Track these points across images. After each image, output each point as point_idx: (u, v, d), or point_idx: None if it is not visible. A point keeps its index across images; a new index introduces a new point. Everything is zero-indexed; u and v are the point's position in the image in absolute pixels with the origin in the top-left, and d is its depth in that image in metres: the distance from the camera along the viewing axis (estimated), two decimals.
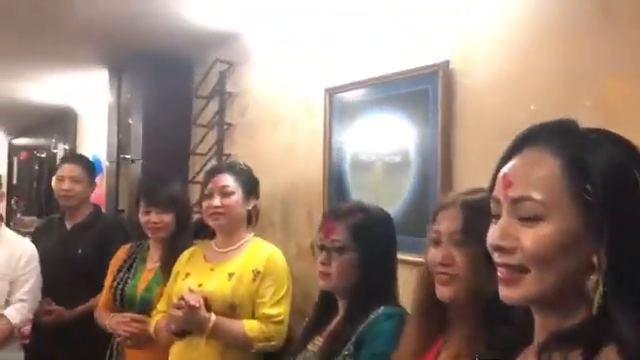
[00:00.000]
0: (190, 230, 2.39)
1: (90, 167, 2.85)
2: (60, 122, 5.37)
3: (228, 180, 2.04)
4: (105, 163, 3.48)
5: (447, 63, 1.63)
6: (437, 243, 1.11)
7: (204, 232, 2.53)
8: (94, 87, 4.12)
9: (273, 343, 1.89)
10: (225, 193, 2.02)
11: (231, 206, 2.01)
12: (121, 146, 3.30)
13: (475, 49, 1.61)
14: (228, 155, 2.73)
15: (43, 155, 6.14)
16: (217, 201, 2.01)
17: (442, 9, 1.72)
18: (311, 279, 2.09)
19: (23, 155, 7.14)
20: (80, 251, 2.71)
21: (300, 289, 2.02)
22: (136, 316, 2.19)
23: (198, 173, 2.80)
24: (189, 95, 3.01)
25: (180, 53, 2.96)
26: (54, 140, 5.65)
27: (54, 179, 2.82)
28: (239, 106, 2.70)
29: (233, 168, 2.10)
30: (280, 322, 1.90)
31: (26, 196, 6.84)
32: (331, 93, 2.06)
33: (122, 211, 3.29)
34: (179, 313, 1.83)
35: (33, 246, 2.61)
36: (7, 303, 2.46)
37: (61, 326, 2.60)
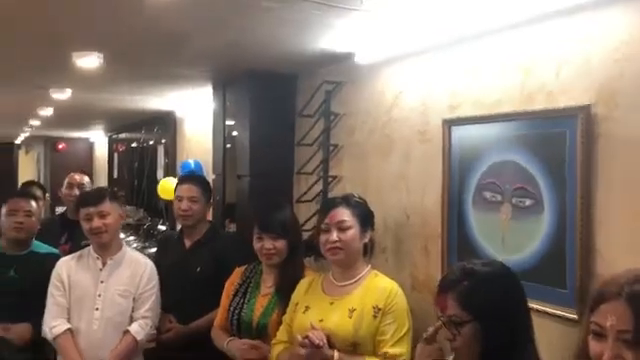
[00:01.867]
0: (302, 255, 2.44)
1: (206, 186, 2.95)
2: (161, 122, 5.58)
3: (344, 214, 2.05)
4: (211, 176, 3.58)
5: (588, 107, 1.54)
6: (600, 336, 1.03)
7: (313, 250, 2.58)
8: (195, 96, 4.26)
9: None
10: (342, 228, 2.03)
11: (348, 241, 2.02)
12: (225, 160, 3.38)
13: (621, 92, 1.50)
14: (334, 177, 2.74)
15: (143, 148, 6.43)
16: (335, 236, 2.02)
17: (584, 48, 1.60)
18: (426, 312, 2.09)
19: (121, 147, 7.51)
20: (199, 269, 2.83)
21: (415, 321, 2.00)
22: (254, 343, 2.26)
23: (305, 193, 2.82)
24: (293, 114, 3.03)
25: (285, 71, 2.98)
26: (153, 138, 5.92)
27: (174, 200, 2.95)
28: (346, 127, 2.68)
29: (349, 201, 2.09)
30: None
31: (126, 188, 7.23)
32: (449, 125, 2.00)
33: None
34: (302, 351, 1.87)
35: (153, 264, 2.74)
36: (131, 319, 2.62)
37: (180, 343, 2.74)
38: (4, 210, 2.84)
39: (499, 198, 1.78)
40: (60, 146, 9.80)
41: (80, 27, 2.40)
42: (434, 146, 2.08)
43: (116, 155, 7.75)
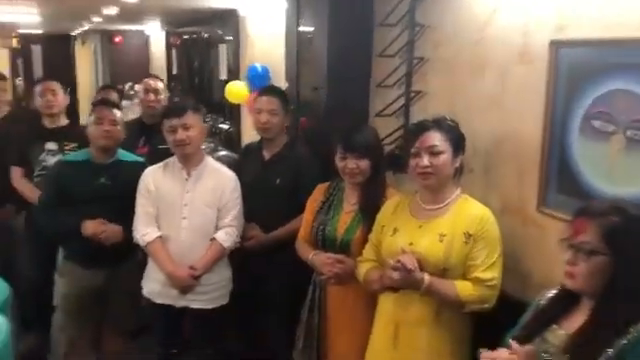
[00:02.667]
0: (384, 173, 2.44)
1: (285, 99, 2.93)
2: (222, 20, 5.44)
3: (436, 138, 2.00)
4: (282, 84, 3.52)
5: None
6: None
7: (392, 165, 2.58)
8: None
9: (486, 305, 1.95)
10: (434, 152, 1.99)
11: (440, 166, 2.00)
12: (299, 69, 3.30)
13: None
14: (417, 92, 2.65)
15: (204, 45, 6.33)
16: (426, 160, 1.99)
17: None
18: (514, 237, 2.09)
19: (179, 43, 7.43)
20: (278, 181, 2.89)
21: (504, 246, 2.01)
22: (339, 257, 2.34)
23: (388, 106, 2.76)
24: (371, 22, 2.88)
25: None
26: (216, 36, 5.81)
27: (253, 112, 2.95)
28: (432, 40, 2.55)
29: (441, 125, 2.04)
30: (494, 287, 1.93)
31: (184, 83, 7.25)
32: (557, 47, 1.87)
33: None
34: (395, 275, 1.92)
35: (234, 175, 2.81)
36: (217, 228, 2.74)
37: (265, 251, 2.87)
38: (92, 119, 2.91)
39: (611, 129, 1.69)
40: (117, 39, 9.79)
41: None
42: (536, 69, 1.95)
43: (174, 51, 7.70)
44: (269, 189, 2.91)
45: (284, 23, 3.46)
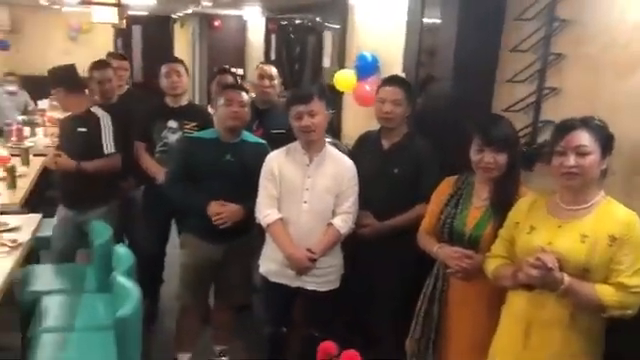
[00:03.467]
0: (519, 170, 2.40)
1: (409, 89, 2.94)
2: (329, 7, 5.47)
3: (584, 138, 1.95)
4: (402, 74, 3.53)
5: None
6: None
7: (526, 162, 2.54)
8: None
9: (629, 312, 1.89)
10: (581, 153, 1.94)
11: (587, 167, 1.94)
12: (420, 60, 3.29)
13: None
14: (552, 89, 2.59)
15: (306, 32, 6.38)
16: (572, 160, 1.94)
17: None
18: None
19: (280, 29, 7.54)
20: (396, 171, 2.92)
21: None
22: (467, 252, 2.33)
23: (517, 102, 2.71)
24: (501, 15, 2.83)
25: None
26: (320, 23, 5.86)
27: (376, 101, 2.98)
28: (573, 36, 2.48)
29: (589, 124, 1.97)
30: (638, 294, 1.88)
31: (283, 69, 7.37)
32: None
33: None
34: (534, 272, 1.90)
35: (353, 163, 2.86)
36: (333, 214, 2.80)
37: (379, 239, 2.91)
38: (221, 101, 3.04)
39: None
40: (216, 23, 10.08)
41: None
42: None
43: (273, 37, 7.84)
44: (387, 178, 2.94)
45: (399, 12, 3.45)
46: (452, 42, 2.87)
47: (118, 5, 4.74)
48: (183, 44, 12.04)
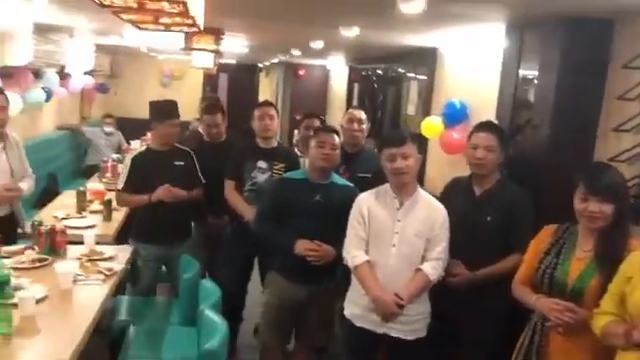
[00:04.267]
0: (628, 221, 2.27)
1: (502, 136, 2.89)
2: (417, 57, 5.53)
3: None
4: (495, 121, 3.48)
5: None
6: None
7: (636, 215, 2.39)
8: (466, 33, 4.11)
9: None
10: None
11: None
12: (515, 108, 3.24)
13: None
14: None
15: (390, 81, 6.49)
16: None
17: None
18: None
19: (363, 78, 7.69)
20: (489, 219, 2.84)
21: None
22: (569, 305, 2.21)
23: (623, 153, 2.60)
24: (605, 63, 2.75)
25: (598, 15, 2.69)
26: (405, 72, 5.93)
27: (468, 147, 2.95)
28: None
29: None
30: None
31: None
32: None
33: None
34: None
35: (444, 208, 2.81)
36: (423, 260, 2.74)
37: (469, 289, 2.81)
38: (313, 143, 3.10)
39: None
40: (301, 72, 10.43)
41: None
42: None
43: (356, 85, 8.00)
44: (478, 226, 2.86)
45: (492, 59, 3.43)
46: (551, 89, 2.81)
47: (216, 52, 5.03)
48: (267, 91, 12.50)
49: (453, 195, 3.08)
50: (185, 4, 1.74)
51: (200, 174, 3.88)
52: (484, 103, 3.84)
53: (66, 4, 4.16)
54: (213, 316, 2.81)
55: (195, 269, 3.44)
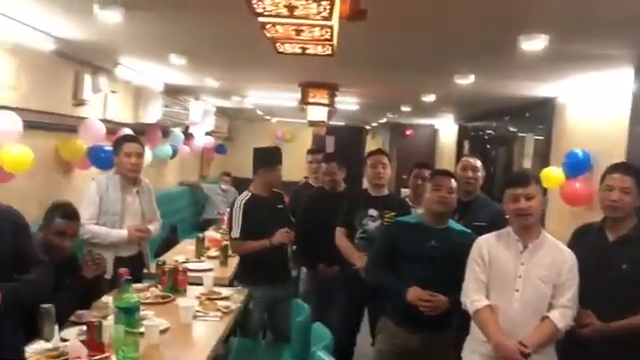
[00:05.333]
0: None
1: (639, 177, 2.71)
2: (534, 109, 5.40)
3: None
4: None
5: None
6: None
7: None
8: (588, 79, 3.97)
9: None
10: None
11: None
12: None
13: None
14: None
15: (503, 136, 6.36)
16: None
17: None
18: None
19: (473, 135, 7.58)
20: (624, 267, 2.62)
21: None
22: None
23: None
24: None
25: None
26: (520, 125, 5.78)
27: (600, 189, 2.79)
28: None
29: None
30: None
31: None
32: None
33: None
34: None
35: (572, 253, 2.64)
36: (550, 307, 2.56)
37: (603, 341, 2.58)
38: (429, 186, 3.07)
39: None
40: (408, 132, 10.50)
41: (530, 8, 2.42)
42: None
43: (466, 143, 7.90)
44: (612, 274, 2.64)
45: (620, 106, 3.27)
46: None
47: (330, 106, 5.24)
48: None
49: (583, 240, 2.88)
50: (333, 2, 1.82)
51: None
52: (610, 151, 3.64)
53: (197, 65, 4.54)
54: (326, 357, 2.77)
55: (307, 313, 3.44)
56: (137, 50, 4.07)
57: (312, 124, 5.94)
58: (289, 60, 2.94)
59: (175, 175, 8.07)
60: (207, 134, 8.61)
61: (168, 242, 6.00)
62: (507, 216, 2.71)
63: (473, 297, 2.65)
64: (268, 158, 3.93)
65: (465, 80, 3.99)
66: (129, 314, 2.48)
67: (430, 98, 5.35)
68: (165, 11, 2.84)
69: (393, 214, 3.80)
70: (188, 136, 7.65)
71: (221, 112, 9.35)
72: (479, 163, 3.92)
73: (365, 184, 4.15)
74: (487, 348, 2.59)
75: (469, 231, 3.09)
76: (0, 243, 2.05)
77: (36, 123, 3.92)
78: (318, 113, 5.29)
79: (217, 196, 8.24)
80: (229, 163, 11.03)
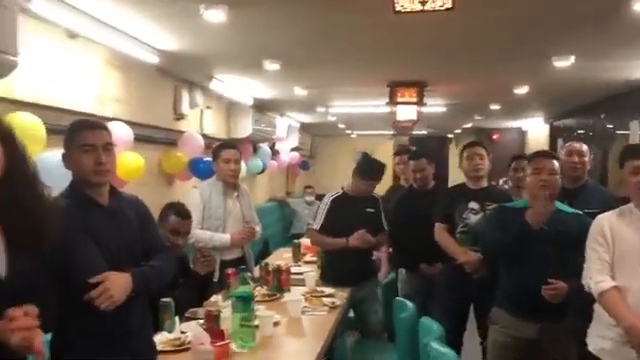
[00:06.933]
0: None
1: None
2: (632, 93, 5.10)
3: None
4: None
5: None
6: None
7: None
8: None
9: None
10: None
11: None
12: None
13: None
14: None
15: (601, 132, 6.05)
16: None
17: None
18: None
19: (566, 134, 7.26)
20: None
21: None
22: None
23: None
24: None
25: None
26: (618, 120, 5.49)
27: None
28: None
29: None
30: None
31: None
32: None
33: None
34: None
35: None
36: None
37: None
38: (529, 170, 2.96)
39: None
40: (494, 136, 10.22)
41: None
42: None
43: (560, 141, 7.56)
44: None
45: None
46: None
47: (420, 103, 5.21)
48: (456, 161, 12.35)
49: None
50: None
51: (384, 221, 4.02)
52: None
53: (289, 71, 4.64)
54: (441, 347, 2.69)
55: (411, 310, 3.38)
56: (232, 60, 4.23)
57: (399, 126, 5.91)
58: (379, 54, 2.91)
59: (264, 190, 8.26)
60: (292, 150, 8.77)
61: (261, 257, 6.13)
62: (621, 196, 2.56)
63: (597, 278, 2.50)
64: (368, 170, 3.95)
65: (565, 62, 3.82)
66: (246, 302, 2.55)
67: (523, 90, 5.17)
68: (267, 8, 2.88)
69: (494, 205, 3.68)
70: (274, 152, 7.82)
71: (304, 129, 9.51)
72: (585, 147, 3.72)
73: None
74: (617, 332, 2.42)
75: (582, 213, 2.94)
76: (128, 231, 2.14)
77: (143, 136, 4.14)
78: (407, 112, 5.26)
79: (304, 210, 8.36)
80: (311, 179, 11.16)
